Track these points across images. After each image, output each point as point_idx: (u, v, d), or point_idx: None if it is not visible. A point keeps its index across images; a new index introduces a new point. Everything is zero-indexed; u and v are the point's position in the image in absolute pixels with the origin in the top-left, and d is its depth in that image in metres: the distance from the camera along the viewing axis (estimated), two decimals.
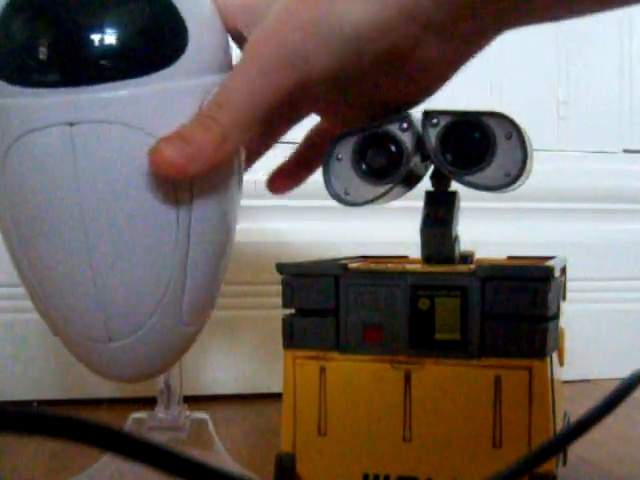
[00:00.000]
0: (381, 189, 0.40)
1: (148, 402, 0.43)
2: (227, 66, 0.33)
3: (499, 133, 0.37)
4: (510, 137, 0.37)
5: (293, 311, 0.40)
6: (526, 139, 0.37)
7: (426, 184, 0.42)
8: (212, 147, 0.29)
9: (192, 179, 0.30)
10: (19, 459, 0.52)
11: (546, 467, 0.35)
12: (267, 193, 0.47)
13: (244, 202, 0.54)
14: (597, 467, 0.49)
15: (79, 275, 0.31)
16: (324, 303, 0.39)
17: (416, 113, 0.39)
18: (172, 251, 0.31)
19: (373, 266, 0.40)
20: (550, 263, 0.38)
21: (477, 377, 0.37)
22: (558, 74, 0.79)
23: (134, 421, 0.41)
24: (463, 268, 0.38)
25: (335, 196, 0.41)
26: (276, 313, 0.42)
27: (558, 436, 0.31)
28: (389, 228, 0.70)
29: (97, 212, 0.30)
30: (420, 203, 0.42)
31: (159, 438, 0.40)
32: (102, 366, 0.33)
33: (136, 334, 0.32)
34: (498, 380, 0.36)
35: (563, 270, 0.45)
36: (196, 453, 0.24)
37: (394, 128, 0.39)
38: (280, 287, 0.40)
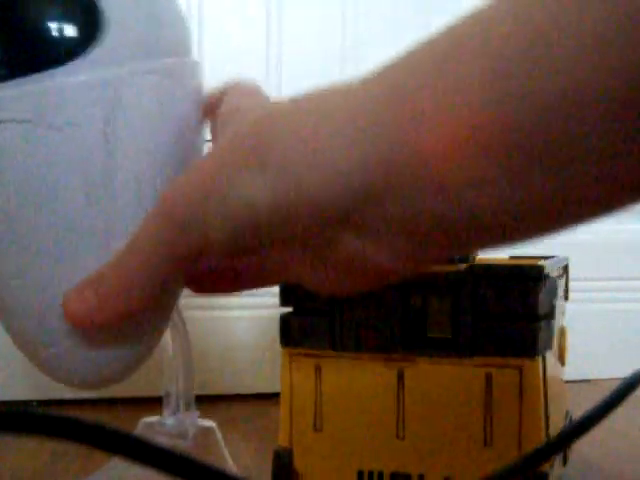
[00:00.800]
0: None
1: (147, 402, 0.43)
2: (157, 50, 0.31)
3: None
4: None
5: (291, 309, 0.41)
6: None
7: None
8: (114, 303, 0.28)
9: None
10: (19, 459, 0.52)
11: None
12: None
13: None
14: (597, 466, 0.49)
15: (9, 279, 0.30)
16: (319, 302, 0.40)
17: None
18: (105, 253, 0.30)
19: None
20: (542, 262, 0.39)
21: (468, 375, 0.37)
22: None
23: (144, 425, 0.41)
24: (455, 267, 0.39)
25: None
26: (275, 313, 0.42)
27: (560, 434, 0.31)
28: None
29: (18, 215, 0.29)
30: None
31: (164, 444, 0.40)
32: (48, 370, 0.32)
33: (74, 339, 0.30)
34: (489, 378, 0.37)
35: (565, 269, 0.45)
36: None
37: None
38: (279, 287, 0.41)
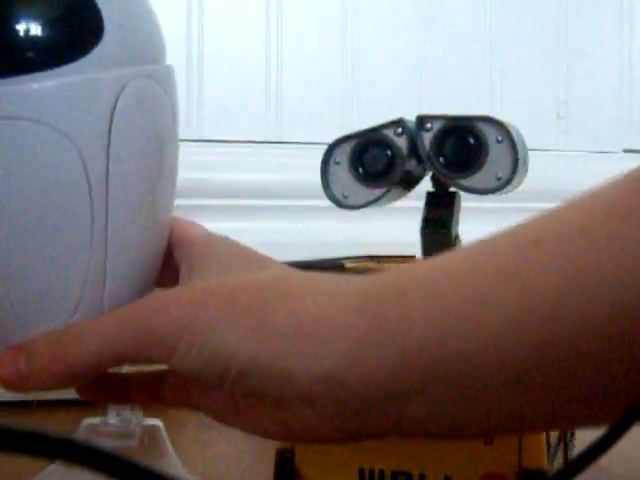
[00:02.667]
0: (378, 192, 0.41)
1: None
2: (149, 57, 0.31)
3: (490, 137, 0.38)
4: (501, 141, 0.38)
5: None
6: (517, 143, 0.38)
7: (430, 185, 0.43)
8: (45, 378, 0.28)
9: (107, 170, 0.29)
10: (20, 460, 0.52)
11: (536, 463, 0.36)
12: (267, 193, 0.48)
13: (244, 202, 0.55)
14: (597, 466, 0.49)
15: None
16: None
17: (411, 118, 0.40)
18: (88, 249, 0.30)
19: (370, 265, 0.41)
20: None
21: None
22: (558, 74, 0.80)
23: (87, 426, 0.40)
24: None
25: (334, 199, 0.42)
26: None
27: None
28: (393, 228, 0.71)
29: (4, 211, 0.29)
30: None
31: (109, 445, 0.39)
32: None
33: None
34: None
35: None
36: (147, 461, 0.24)
37: (389, 133, 0.40)
38: None
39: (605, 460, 0.46)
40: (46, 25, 0.29)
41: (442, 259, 0.25)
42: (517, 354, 0.22)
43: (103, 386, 0.33)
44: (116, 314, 0.28)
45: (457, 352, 0.22)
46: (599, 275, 0.21)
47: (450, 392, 0.23)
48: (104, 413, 0.38)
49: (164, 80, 0.32)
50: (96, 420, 0.38)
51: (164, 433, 0.40)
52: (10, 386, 0.29)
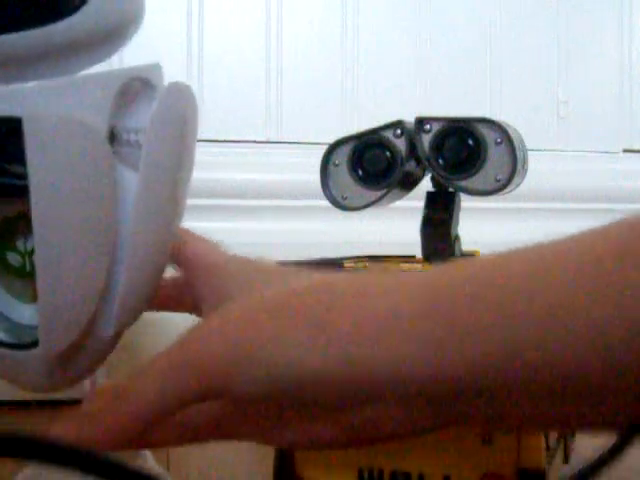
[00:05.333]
0: (378, 193, 0.41)
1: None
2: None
3: (490, 139, 0.38)
4: (500, 143, 0.38)
5: None
6: (516, 144, 0.38)
7: (430, 185, 0.44)
8: (113, 434, 0.25)
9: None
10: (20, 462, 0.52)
11: (535, 463, 0.36)
12: (267, 193, 0.48)
13: (244, 202, 0.55)
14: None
15: None
16: None
17: (410, 119, 0.41)
18: (108, 253, 0.29)
19: (368, 265, 0.41)
20: None
21: None
22: (558, 74, 0.80)
23: None
24: None
25: (333, 201, 0.42)
26: None
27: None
28: (393, 228, 0.71)
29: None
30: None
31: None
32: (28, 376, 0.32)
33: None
34: None
35: None
36: (121, 457, 0.23)
37: (388, 134, 0.40)
38: None
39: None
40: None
41: (506, 259, 0.24)
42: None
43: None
44: (164, 366, 0.26)
45: (529, 360, 0.22)
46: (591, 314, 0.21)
47: (515, 394, 0.22)
48: None
49: (158, 80, 0.31)
50: None
51: None
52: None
